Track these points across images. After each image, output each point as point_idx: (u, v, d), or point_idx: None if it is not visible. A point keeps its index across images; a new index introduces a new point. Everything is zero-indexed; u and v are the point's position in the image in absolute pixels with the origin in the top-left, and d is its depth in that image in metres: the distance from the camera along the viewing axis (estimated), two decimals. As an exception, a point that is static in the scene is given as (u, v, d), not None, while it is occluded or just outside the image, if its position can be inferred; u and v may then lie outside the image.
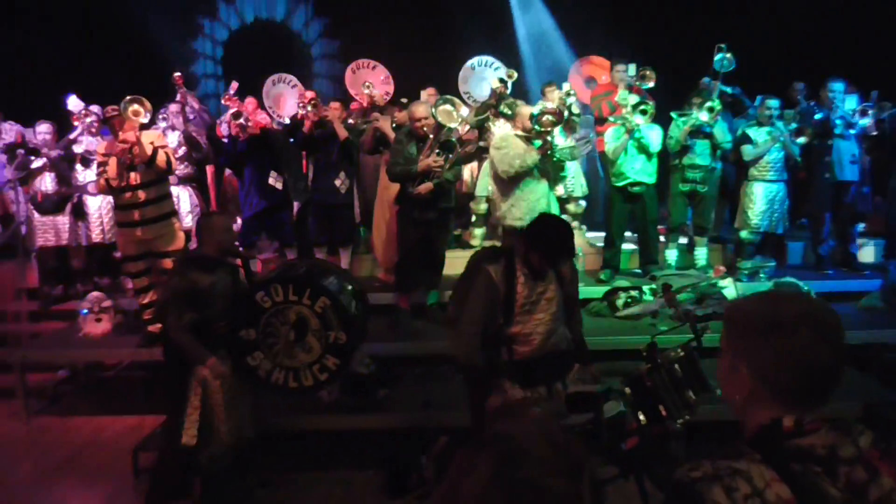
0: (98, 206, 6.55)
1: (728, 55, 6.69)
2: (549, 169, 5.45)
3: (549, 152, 5.39)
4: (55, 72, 7.82)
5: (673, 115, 6.51)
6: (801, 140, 6.45)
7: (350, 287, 4.25)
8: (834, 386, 1.26)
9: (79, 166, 6.51)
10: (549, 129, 5.36)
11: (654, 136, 6.26)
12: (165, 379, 4.15)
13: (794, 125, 6.61)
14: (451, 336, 3.18)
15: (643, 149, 6.24)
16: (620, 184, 6.32)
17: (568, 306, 3.21)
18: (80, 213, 6.57)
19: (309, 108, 6.26)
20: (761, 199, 6.42)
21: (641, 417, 2.31)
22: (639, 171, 6.27)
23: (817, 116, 6.53)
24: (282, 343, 3.80)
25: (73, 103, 6.70)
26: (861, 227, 7.17)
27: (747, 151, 6.41)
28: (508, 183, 5.39)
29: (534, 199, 5.39)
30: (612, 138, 6.33)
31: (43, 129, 6.38)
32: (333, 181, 6.34)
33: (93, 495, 4.27)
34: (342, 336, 3.78)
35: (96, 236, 6.56)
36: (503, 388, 3.06)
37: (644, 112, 6.16)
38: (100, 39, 8.01)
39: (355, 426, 4.71)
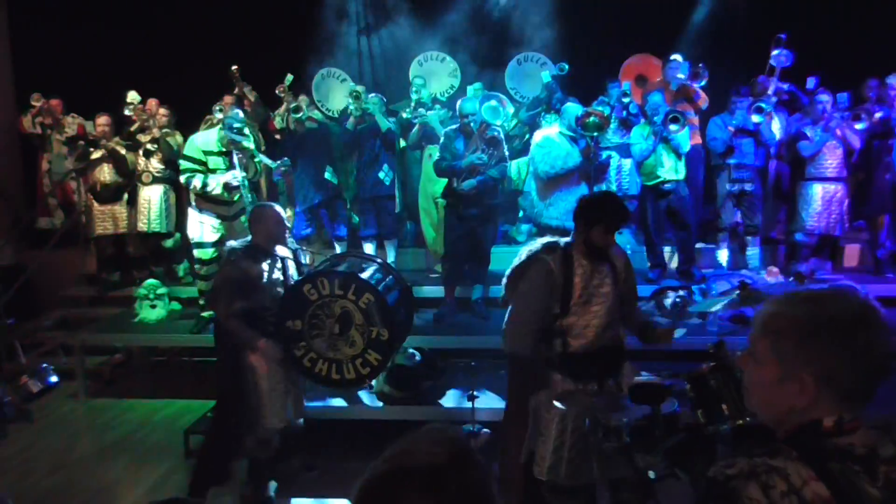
0: (148, 197, 6.72)
1: (785, 50, 6.51)
2: (592, 172, 5.41)
3: (591, 155, 5.34)
4: (116, 64, 8.04)
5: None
6: (861, 125, 6.14)
7: (394, 282, 4.29)
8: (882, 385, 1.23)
9: (141, 158, 6.71)
10: (592, 132, 5.31)
11: (683, 139, 6.10)
12: (216, 364, 4.26)
13: (847, 113, 6.35)
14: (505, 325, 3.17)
15: (673, 149, 6.14)
16: (652, 182, 6.22)
17: (626, 303, 3.19)
18: (133, 202, 6.78)
19: (352, 104, 6.36)
20: (817, 200, 6.23)
21: (701, 416, 2.29)
22: (669, 168, 6.15)
23: (878, 115, 6.29)
24: (326, 335, 3.87)
25: (132, 97, 6.93)
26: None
27: (804, 147, 6.23)
28: (548, 182, 5.37)
29: (572, 201, 5.35)
30: (639, 140, 6.17)
31: (102, 121, 6.60)
32: (377, 173, 6.42)
33: (147, 474, 4.41)
34: (384, 333, 3.83)
35: (141, 225, 6.74)
36: (553, 382, 3.06)
37: (676, 120, 6.01)
38: (161, 31, 8.20)
39: (399, 417, 4.75)
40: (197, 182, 5.28)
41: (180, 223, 6.72)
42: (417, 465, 1.02)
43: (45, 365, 2.66)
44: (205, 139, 5.46)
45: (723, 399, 2.30)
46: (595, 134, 5.40)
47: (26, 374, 2.57)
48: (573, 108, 5.61)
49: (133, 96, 6.81)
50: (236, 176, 5.25)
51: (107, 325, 6.26)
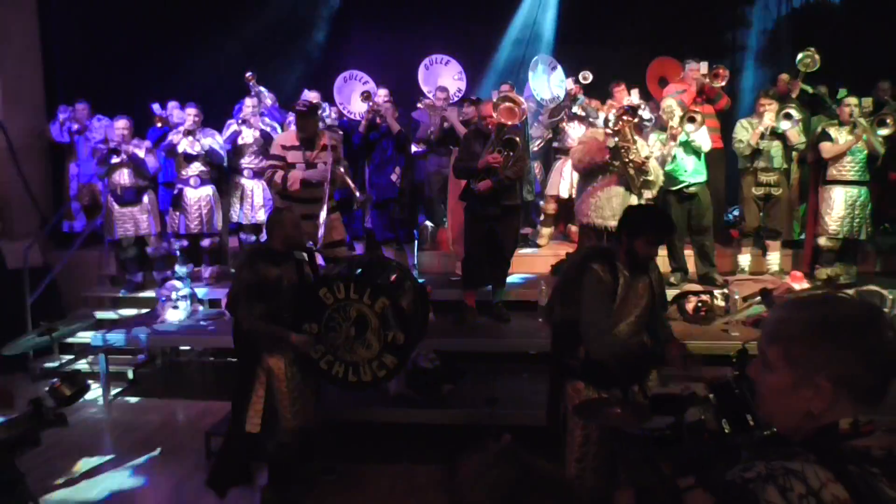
0: (198, 199, 6.85)
1: (813, 55, 6.45)
2: (632, 175, 5.44)
3: (623, 154, 5.35)
4: (139, 67, 8.16)
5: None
6: (884, 132, 6.06)
7: (411, 285, 4.29)
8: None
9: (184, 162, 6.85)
10: (622, 129, 5.32)
11: (702, 138, 6.07)
12: (235, 367, 4.29)
13: (871, 117, 6.26)
14: (590, 342, 3.09)
15: (694, 150, 6.09)
16: (675, 188, 6.17)
17: (656, 310, 3.17)
18: (177, 205, 6.89)
19: (362, 103, 6.44)
20: (840, 203, 6.15)
21: (726, 426, 2.25)
22: (692, 172, 6.12)
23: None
24: (342, 338, 3.87)
25: (158, 109, 7.11)
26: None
27: (826, 148, 6.14)
28: (585, 177, 5.43)
29: (604, 198, 5.49)
30: (656, 145, 6.10)
31: (120, 125, 6.67)
32: (389, 176, 6.45)
33: (169, 475, 4.45)
34: (400, 337, 3.83)
35: (195, 227, 6.84)
36: (575, 390, 3.04)
37: (692, 120, 5.96)
38: (189, 37, 8.31)
39: (419, 420, 4.76)
40: (278, 178, 5.31)
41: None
42: None
43: (77, 368, 2.71)
44: (286, 136, 5.55)
45: (749, 408, 2.26)
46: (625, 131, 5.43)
47: (59, 379, 2.61)
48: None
49: (158, 109, 7.01)
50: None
51: (129, 326, 6.32)
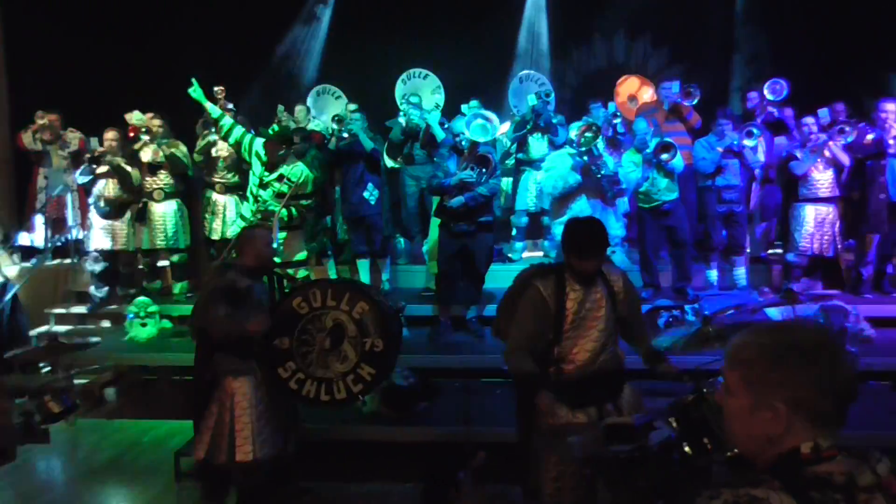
0: (162, 213, 6.72)
1: (783, 83, 6.67)
2: (603, 187, 5.45)
3: (593, 169, 5.38)
4: (111, 77, 8.05)
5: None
6: (846, 139, 6.21)
7: (385, 303, 4.23)
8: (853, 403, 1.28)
9: (148, 175, 6.72)
10: (588, 146, 5.36)
11: (676, 163, 6.13)
12: (193, 387, 4.17)
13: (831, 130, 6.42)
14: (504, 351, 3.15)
15: (668, 172, 6.18)
16: (649, 206, 6.26)
17: (629, 323, 3.16)
18: (141, 218, 6.77)
19: (334, 125, 6.40)
20: (810, 221, 6.30)
21: (687, 449, 2.24)
22: (664, 190, 6.20)
23: (870, 136, 6.37)
24: (316, 351, 3.72)
25: (137, 117, 6.98)
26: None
27: (795, 165, 6.31)
28: (561, 200, 5.42)
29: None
30: (630, 167, 6.18)
31: (109, 136, 6.58)
32: (361, 193, 6.43)
33: (136, 497, 4.34)
34: (379, 343, 3.69)
35: (159, 242, 6.72)
36: (549, 410, 3.02)
37: (667, 149, 6.05)
38: (154, 44, 8.22)
39: (394, 438, 4.70)
40: None
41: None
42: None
43: (65, 386, 2.61)
44: None
45: (705, 432, 2.25)
46: (591, 146, 5.44)
47: (48, 395, 2.51)
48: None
49: (138, 116, 6.84)
50: None
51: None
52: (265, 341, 3.70)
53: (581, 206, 5.62)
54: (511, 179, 7.38)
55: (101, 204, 6.56)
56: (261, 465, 3.72)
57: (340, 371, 3.74)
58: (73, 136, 7.40)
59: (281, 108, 7.44)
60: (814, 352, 1.25)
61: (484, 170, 5.37)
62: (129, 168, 6.53)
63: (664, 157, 6.03)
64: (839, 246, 6.42)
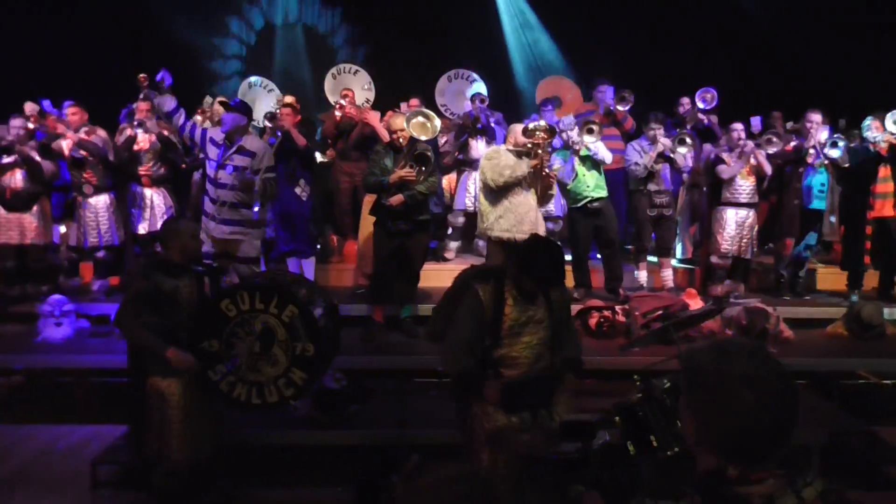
0: (94, 208, 6.35)
1: (713, 92, 6.92)
2: (539, 184, 5.43)
3: (541, 166, 5.36)
4: (25, 65, 7.61)
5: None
6: (771, 149, 6.51)
7: (319, 299, 4.15)
8: (779, 449, 1.26)
9: (74, 170, 6.34)
10: (540, 142, 5.34)
11: (602, 150, 6.26)
12: (127, 388, 4.02)
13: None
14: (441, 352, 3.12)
15: (595, 165, 6.28)
16: (579, 205, 6.35)
17: (559, 329, 3.17)
18: (71, 214, 6.39)
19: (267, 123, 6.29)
20: (731, 224, 6.54)
21: (631, 448, 2.27)
22: (594, 187, 6.31)
23: (792, 143, 6.68)
24: (246, 355, 3.66)
25: (49, 107, 6.59)
26: (808, 254, 7.13)
27: (722, 170, 6.52)
28: (497, 194, 5.35)
29: (523, 212, 5.36)
30: (559, 164, 6.30)
31: (17, 124, 6.16)
32: (293, 189, 6.30)
33: (48, 510, 4.10)
34: (310, 347, 3.63)
35: (92, 239, 6.34)
36: (484, 411, 3.01)
37: (591, 131, 6.16)
38: (71, 30, 7.81)
39: (325, 442, 4.60)
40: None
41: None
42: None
43: None
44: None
45: (651, 430, 2.29)
46: (542, 143, 5.43)
47: None
48: (519, 126, 5.65)
49: (31, 108, 6.43)
50: None
51: (5, 344, 5.81)
52: (193, 343, 3.60)
53: (530, 202, 5.57)
54: (449, 177, 7.41)
55: (7, 195, 6.14)
56: (184, 467, 3.62)
57: (272, 375, 3.69)
58: None
59: (208, 99, 7.18)
60: (730, 389, 1.25)
61: (423, 167, 5.32)
62: (39, 159, 6.14)
63: (588, 138, 6.11)
64: (755, 249, 6.72)
